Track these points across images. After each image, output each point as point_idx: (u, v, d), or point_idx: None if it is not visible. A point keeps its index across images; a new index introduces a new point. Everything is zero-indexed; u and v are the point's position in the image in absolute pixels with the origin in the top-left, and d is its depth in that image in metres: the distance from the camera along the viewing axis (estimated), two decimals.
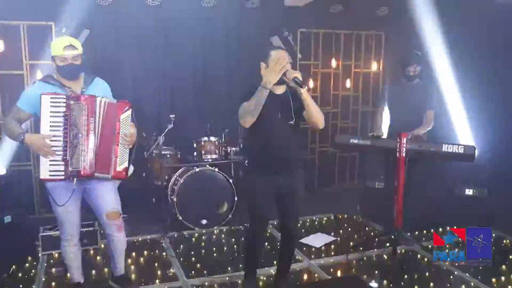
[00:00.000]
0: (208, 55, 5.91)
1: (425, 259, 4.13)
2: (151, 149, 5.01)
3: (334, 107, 6.54)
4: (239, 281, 3.60)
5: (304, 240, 4.54)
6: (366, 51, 6.66)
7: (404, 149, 3.66)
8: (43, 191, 5.26)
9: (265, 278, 3.68)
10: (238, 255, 4.22)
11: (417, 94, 4.27)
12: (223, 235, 4.74)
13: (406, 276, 3.77)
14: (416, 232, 4.73)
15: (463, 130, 5.10)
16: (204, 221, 4.76)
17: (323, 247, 4.42)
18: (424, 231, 4.75)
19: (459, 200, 4.85)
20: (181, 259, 4.14)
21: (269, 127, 2.91)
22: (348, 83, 6.64)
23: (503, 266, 3.93)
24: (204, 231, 4.76)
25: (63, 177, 2.94)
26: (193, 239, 4.62)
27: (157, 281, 3.72)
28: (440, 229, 4.71)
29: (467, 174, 4.83)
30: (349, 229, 4.94)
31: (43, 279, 3.72)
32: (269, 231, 4.69)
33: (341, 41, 6.45)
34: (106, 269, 3.87)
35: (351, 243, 4.43)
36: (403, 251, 4.30)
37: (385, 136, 4.28)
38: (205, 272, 3.85)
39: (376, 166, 5.08)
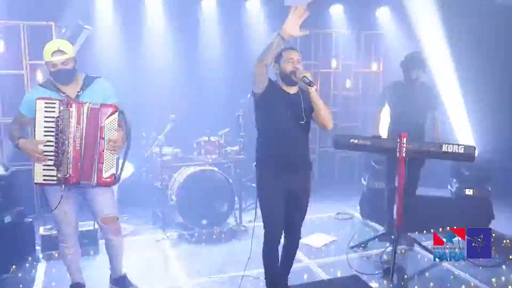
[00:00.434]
0: (208, 55, 5.92)
1: (425, 259, 4.13)
2: (151, 148, 5.02)
3: (334, 107, 6.54)
4: (239, 281, 3.60)
5: (304, 240, 4.53)
6: (366, 51, 6.66)
7: (404, 149, 3.65)
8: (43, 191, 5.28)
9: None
10: (237, 255, 4.22)
11: (419, 95, 4.27)
12: (223, 235, 4.74)
13: (406, 276, 3.77)
14: (416, 232, 4.72)
15: (463, 130, 5.09)
16: (204, 221, 4.76)
17: (323, 247, 4.43)
18: (424, 231, 4.74)
19: (459, 200, 4.84)
20: (181, 259, 4.14)
21: (280, 126, 2.89)
22: (348, 83, 6.64)
23: (503, 266, 3.93)
24: (204, 231, 4.76)
25: (55, 182, 2.92)
26: (193, 239, 4.62)
27: (157, 281, 3.72)
28: (440, 229, 4.71)
29: (467, 174, 4.83)
30: (349, 229, 4.94)
31: (43, 279, 3.71)
32: None
33: (341, 41, 6.45)
34: (106, 270, 3.86)
35: (351, 243, 4.43)
36: (403, 251, 4.30)
37: (385, 136, 4.27)
38: (205, 272, 3.85)
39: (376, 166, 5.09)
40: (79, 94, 3.01)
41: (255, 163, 3.03)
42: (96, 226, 4.21)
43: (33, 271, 3.86)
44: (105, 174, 2.98)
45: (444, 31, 5.40)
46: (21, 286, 3.61)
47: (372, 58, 6.69)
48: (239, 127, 5.17)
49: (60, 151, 2.89)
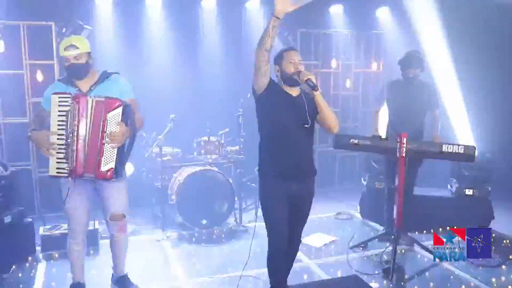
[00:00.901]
0: (208, 55, 5.92)
1: (425, 259, 4.13)
2: (151, 148, 5.02)
3: (334, 107, 6.54)
4: (239, 281, 3.60)
5: (304, 240, 4.53)
6: (366, 51, 6.66)
7: (404, 149, 3.65)
8: (43, 191, 5.28)
9: (265, 278, 3.67)
10: (238, 255, 4.23)
11: (418, 94, 4.28)
12: (223, 235, 4.74)
13: (406, 276, 3.77)
14: (416, 232, 4.73)
15: (463, 130, 5.09)
16: (204, 221, 4.77)
17: (323, 247, 4.43)
18: (424, 231, 4.75)
19: (459, 200, 4.84)
20: (181, 259, 4.14)
21: (284, 130, 2.79)
22: (348, 83, 6.64)
23: (503, 266, 3.93)
24: (204, 231, 4.76)
25: (67, 174, 2.96)
26: (193, 239, 4.62)
27: (157, 281, 3.72)
28: (440, 229, 4.70)
29: (467, 174, 4.83)
30: (349, 229, 4.93)
31: (43, 279, 3.71)
32: None
33: (341, 41, 6.45)
34: (106, 270, 3.87)
35: (351, 243, 4.43)
36: (403, 251, 4.30)
37: (383, 135, 4.27)
38: (205, 272, 3.86)
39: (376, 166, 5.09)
40: (91, 88, 3.05)
41: (257, 167, 2.95)
42: (97, 226, 4.25)
43: (33, 271, 3.86)
44: (104, 168, 2.96)
45: (444, 31, 5.40)
46: (21, 286, 3.61)
47: (372, 58, 6.68)
48: (239, 127, 5.16)
49: (67, 144, 2.93)
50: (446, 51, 5.41)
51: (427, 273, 3.86)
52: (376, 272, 3.85)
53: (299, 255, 4.17)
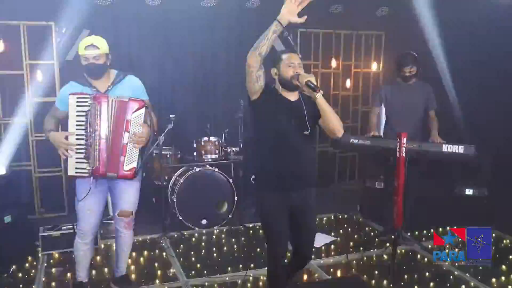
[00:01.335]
0: (208, 55, 5.91)
1: (425, 259, 4.13)
2: (151, 149, 5.00)
3: (334, 107, 6.52)
4: (239, 281, 3.60)
5: None
6: (366, 51, 6.66)
7: (404, 149, 3.65)
8: (43, 191, 5.29)
9: (264, 278, 3.68)
10: (238, 255, 4.23)
11: (414, 94, 4.29)
12: (223, 235, 4.74)
13: (406, 276, 3.77)
14: (416, 232, 4.72)
15: (463, 130, 5.09)
16: (204, 221, 4.77)
17: (323, 247, 4.42)
18: (424, 231, 4.75)
19: (459, 200, 4.83)
20: (181, 259, 4.14)
21: (281, 137, 2.65)
22: (348, 83, 6.63)
23: (503, 266, 3.93)
24: (204, 231, 4.76)
25: (87, 174, 2.99)
26: (193, 239, 4.62)
27: (157, 281, 3.73)
28: (440, 229, 4.71)
29: (468, 174, 4.83)
30: (349, 229, 4.93)
31: (43, 279, 3.72)
32: None
33: (341, 41, 6.44)
34: (106, 269, 3.88)
35: (351, 243, 4.42)
36: (403, 251, 4.30)
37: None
38: (205, 272, 3.87)
39: (376, 166, 5.08)
40: (109, 88, 3.08)
41: (253, 177, 2.86)
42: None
43: (33, 271, 3.86)
44: (126, 167, 3.04)
45: (443, 29, 5.40)
46: (21, 286, 3.62)
47: (372, 58, 6.68)
48: (239, 130, 5.18)
49: (88, 143, 2.96)
50: (446, 50, 5.42)
51: (427, 273, 3.85)
52: (376, 272, 3.86)
53: None
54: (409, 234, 4.54)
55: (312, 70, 6.34)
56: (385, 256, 4.15)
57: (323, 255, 4.25)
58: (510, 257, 4.13)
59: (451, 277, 3.77)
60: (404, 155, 3.67)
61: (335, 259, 4.14)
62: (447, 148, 3.66)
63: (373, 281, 3.71)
